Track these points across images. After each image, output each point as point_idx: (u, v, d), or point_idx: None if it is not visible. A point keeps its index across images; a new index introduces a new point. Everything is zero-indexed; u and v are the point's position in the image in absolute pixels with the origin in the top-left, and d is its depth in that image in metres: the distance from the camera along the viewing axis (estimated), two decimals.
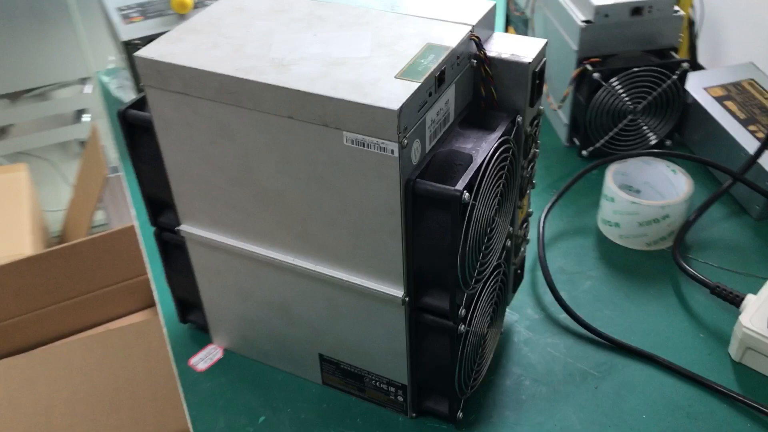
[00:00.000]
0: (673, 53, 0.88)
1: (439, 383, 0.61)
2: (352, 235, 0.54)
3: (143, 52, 0.54)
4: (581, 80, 0.88)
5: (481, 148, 0.53)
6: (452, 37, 0.53)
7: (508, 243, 0.64)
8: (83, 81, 2.08)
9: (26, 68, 1.84)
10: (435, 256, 0.52)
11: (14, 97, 2.06)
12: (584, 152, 0.92)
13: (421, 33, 0.54)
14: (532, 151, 0.62)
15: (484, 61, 0.55)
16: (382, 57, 0.51)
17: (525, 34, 1.05)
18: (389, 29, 0.55)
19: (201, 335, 0.73)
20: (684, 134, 0.94)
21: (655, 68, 0.86)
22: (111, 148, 1.48)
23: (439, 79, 0.50)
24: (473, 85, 0.57)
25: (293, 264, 0.59)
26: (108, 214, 1.84)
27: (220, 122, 0.54)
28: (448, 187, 0.49)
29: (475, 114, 0.57)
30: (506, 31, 1.17)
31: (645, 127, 0.90)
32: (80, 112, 2.15)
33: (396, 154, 0.48)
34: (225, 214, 0.60)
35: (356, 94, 0.47)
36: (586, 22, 0.86)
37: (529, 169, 0.62)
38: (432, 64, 0.50)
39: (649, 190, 0.85)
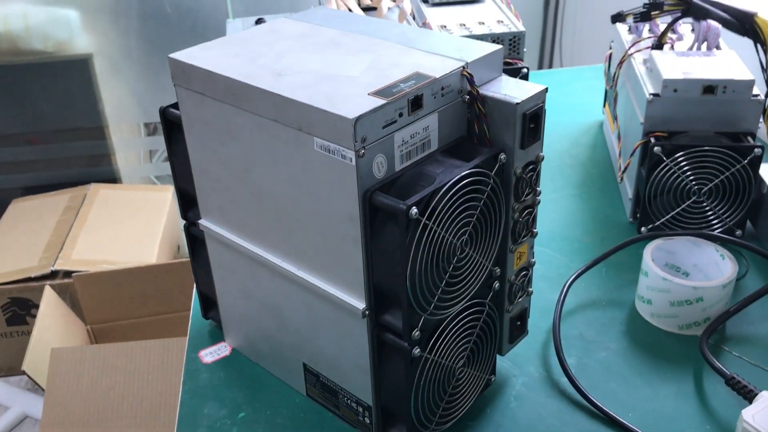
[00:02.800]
0: (750, 138, 0.84)
1: (398, 408, 0.61)
2: (322, 240, 0.57)
3: (175, 55, 0.61)
4: (644, 154, 0.86)
5: (450, 173, 0.54)
6: (440, 69, 0.56)
7: (496, 285, 0.63)
8: None
9: None
10: (389, 271, 0.54)
11: None
12: (643, 229, 0.89)
13: (416, 63, 0.57)
14: (529, 197, 0.62)
15: (477, 98, 0.57)
16: (368, 78, 0.55)
17: (614, 107, 1.04)
18: (390, 58, 0.59)
19: (217, 333, 0.78)
20: (757, 226, 0.88)
21: (724, 150, 0.82)
22: None
23: (413, 103, 0.53)
24: (467, 120, 0.59)
25: (281, 266, 0.63)
26: None
27: (227, 122, 0.60)
28: (398, 200, 0.51)
29: (463, 147, 0.59)
30: (604, 106, 1.17)
31: (710, 212, 0.86)
32: None
33: (353, 163, 0.51)
34: (232, 211, 0.65)
35: (326, 103, 0.52)
36: (654, 95, 0.84)
37: (524, 214, 0.62)
38: (408, 88, 0.53)
39: (697, 274, 0.80)
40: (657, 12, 0.90)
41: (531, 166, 0.61)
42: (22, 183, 2.12)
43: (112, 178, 2.15)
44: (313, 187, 0.55)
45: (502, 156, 0.57)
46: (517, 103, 0.56)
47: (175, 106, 0.67)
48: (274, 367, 0.72)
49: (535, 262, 0.67)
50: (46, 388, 1.30)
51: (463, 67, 0.57)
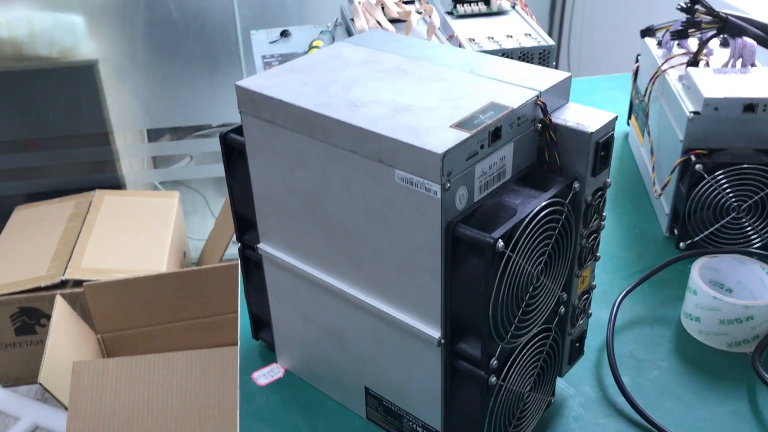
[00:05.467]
0: None
1: None
2: (398, 271, 0.58)
3: (243, 83, 0.61)
4: (684, 171, 0.87)
5: (529, 204, 0.55)
6: (516, 99, 0.56)
7: (562, 310, 0.64)
8: None
9: (197, 107, 2.05)
10: (470, 302, 0.54)
11: (186, 132, 2.29)
12: (682, 244, 0.90)
13: (488, 93, 0.57)
14: (595, 222, 0.63)
15: (549, 126, 0.58)
16: (445, 108, 0.55)
17: (644, 122, 1.05)
18: (461, 87, 0.59)
19: (269, 353, 0.78)
20: None
21: (765, 167, 0.83)
22: None
23: (493, 135, 0.54)
24: (537, 148, 0.60)
25: (348, 293, 0.63)
26: None
27: (297, 151, 0.60)
28: (484, 233, 0.51)
29: (535, 176, 0.59)
30: (629, 119, 1.17)
31: (749, 228, 0.87)
32: None
33: (438, 196, 0.51)
34: (296, 237, 0.65)
35: (410, 136, 0.52)
36: (695, 113, 0.85)
37: (590, 239, 0.63)
38: (488, 119, 0.53)
39: (741, 291, 0.81)
40: (694, 30, 0.91)
41: (599, 193, 0.61)
42: (25, 190, 2.10)
43: (116, 185, 2.13)
44: (390, 217, 0.55)
45: (576, 185, 0.58)
46: (591, 133, 0.57)
47: (235, 131, 0.67)
48: (331, 389, 0.72)
49: (596, 285, 0.68)
50: (69, 402, 1.29)
51: (537, 96, 0.57)
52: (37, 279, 1.70)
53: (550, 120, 0.58)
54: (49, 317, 1.69)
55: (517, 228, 0.53)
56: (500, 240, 0.51)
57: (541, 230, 0.55)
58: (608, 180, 0.62)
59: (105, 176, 2.12)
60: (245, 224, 0.72)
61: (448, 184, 0.51)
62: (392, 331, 0.61)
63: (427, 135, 0.52)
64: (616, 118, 0.59)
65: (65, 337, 1.56)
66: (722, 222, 0.87)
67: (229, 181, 0.69)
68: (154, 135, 2.22)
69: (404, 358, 0.62)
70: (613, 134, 0.59)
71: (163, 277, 1.66)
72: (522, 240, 0.53)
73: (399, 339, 0.61)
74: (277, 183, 0.63)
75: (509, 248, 0.52)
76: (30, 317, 1.73)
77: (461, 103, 0.56)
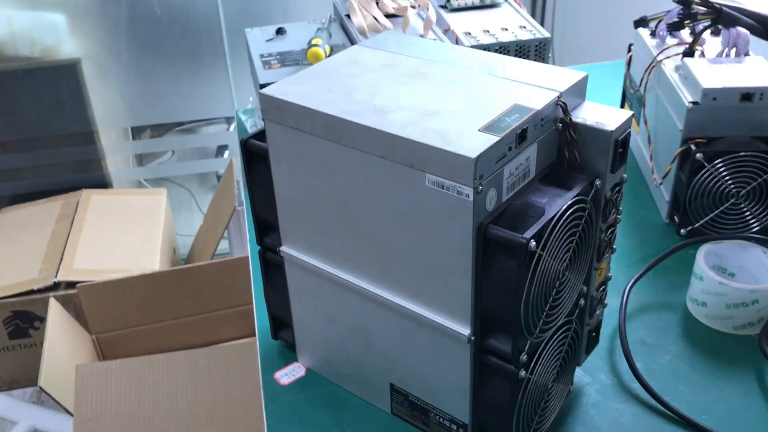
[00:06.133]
0: None
1: (498, 426, 0.63)
2: (427, 271, 0.59)
3: (267, 90, 0.62)
4: (684, 159, 0.90)
5: (555, 203, 0.56)
6: (539, 101, 0.58)
7: (582, 302, 0.66)
8: (229, 120, 2.26)
9: (182, 103, 2.04)
10: (501, 300, 0.56)
11: (168, 128, 2.27)
12: (682, 231, 0.92)
13: (510, 95, 0.59)
14: (612, 216, 0.65)
15: (569, 125, 0.59)
16: (470, 112, 0.57)
17: (639, 111, 1.07)
18: (483, 89, 0.60)
19: (288, 353, 0.79)
20: None
21: (762, 154, 0.86)
22: (243, 183, 1.61)
23: (520, 137, 0.55)
24: (558, 147, 0.61)
25: (374, 293, 0.64)
26: (231, 244, 1.97)
27: (324, 157, 0.61)
28: (517, 234, 0.53)
29: (557, 173, 0.61)
30: (622, 107, 1.20)
31: (748, 213, 0.90)
32: (222, 148, 2.34)
33: (471, 199, 0.53)
34: (320, 240, 0.66)
35: (441, 141, 0.53)
36: (694, 103, 0.87)
37: (608, 233, 0.65)
38: (515, 122, 0.55)
39: (744, 275, 0.84)
40: (689, 21, 0.93)
41: (617, 188, 0.63)
42: (9, 191, 2.07)
43: (102, 183, 2.11)
44: (420, 220, 0.57)
45: (598, 182, 0.60)
46: (611, 131, 0.59)
47: (257, 137, 0.67)
48: (355, 386, 0.74)
49: (612, 276, 0.70)
50: (74, 405, 1.29)
51: (558, 97, 0.59)
52: (29, 282, 1.69)
53: (571, 120, 0.59)
54: (42, 320, 1.68)
55: (546, 227, 0.54)
56: (532, 240, 0.52)
57: (567, 228, 0.57)
58: (625, 175, 0.64)
59: (90, 175, 2.10)
60: (265, 227, 0.73)
61: (480, 187, 0.52)
62: (420, 329, 0.63)
63: (457, 139, 0.53)
64: (633, 115, 0.61)
65: (62, 339, 1.56)
66: (722, 208, 0.89)
67: (250, 186, 0.70)
68: (136, 131, 2.20)
69: (432, 355, 0.63)
70: (630, 131, 0.61)
71: (157, 275, 1.66)
72: (551, 238, 0.55)
73: (427, 337, 0.63)
74: (302, 188, 0.64)
75: (539, 247, 0.54)
76: (23, 320, 1.72)
77: (486, 106, 0.57)
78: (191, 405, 1.29)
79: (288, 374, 0.77)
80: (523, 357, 0.58)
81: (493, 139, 0.53)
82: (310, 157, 0.62)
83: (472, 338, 0.59)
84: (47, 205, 1.96)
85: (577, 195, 0.57)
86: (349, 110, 0.58)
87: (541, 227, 0.54)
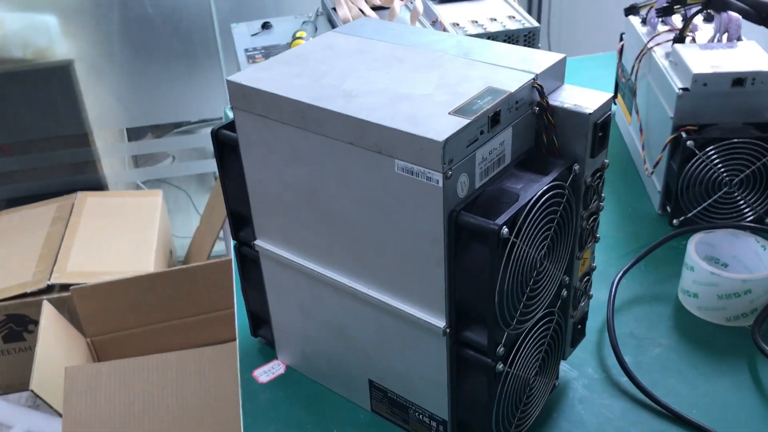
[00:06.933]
0: None
1: (477, 422, 0.61)
2: (400, 262, 0.57)
3: (234, 77, 0.60)
4: (675, 148, 0.87)
5: (531, 189, 0.54)
6: (513, 83, 0.55)
7: (564, 293, 0.64)
8: None
9: (176, 104, 2.02)
10: (475, 290, 0.54)
11: (164, 129, 2.26)
12: (675, 221, 0.90)
13: (485, 77, 0.57)
14: (594, 203, 0.62)
15: (546, 108, 0.57)
16: (442, 95, 0.55)
17: (631, 101, 1.05)
18: (456, 72, 0.58)
19: (268, 350, 0.78)
20: None
21: (755, 141, 0.83)
22: None
23: (492, 120, 0.53)
24: (535, 131, 0.59)
25: (349, 286, 0.62)
26: (227, 245, 1.96)
27: (293, 145, 0.59)
28: (488, 220, 0.51)
29: (535, 159, 0.59)
30: (615, 98, 1.17)
31: (741, 202, 0.87)
32: None
33: (440, 185, 0.50)
34: (294, 232, 0.64)
35: (409, 124, 0.51)
36: (684, 89, 0.85)
37: (590, 221, 0.63)
38: (487, 104, 0.53)
39: (736, 265, 0.82)
40: (679, 6, 0.91)
41: (598, 174, 0.61)
42: (4, 195, 2.06)
43: (98, 186, 2.10)
44: (392, 208, 0.55)
45: (576, 167, 0.58)
46: (589, 114, 0.56)
47: (227, 127, 0.66)
48: (334, 383, 0.72)
49: (596, 266, 0.68)
50: (63, 409, 1.28)
51: (534, 79, 0.57)
52: (22, 285, 1.68)
53: (547, 102, 0.57)
54: (36, 323, 1.67)
55: (520, 213, 0.52)
56: (504, 226, 0.50)
57: (543, 214, 0.54)
58: (606, 161, 0.61)
59: (86, 177, 2.09)
60: (240, 221, 0.71)
61: (450, 172, 0.50)
62: (396, 323, 0.61)
63: (426, 123, 0.51)
64: (613, 97, 0.59)
65: (55, 342, 1.54)
66: (715, 197, 0.87)
67: (223, 179, 0.68)
68: (135, 134, 2.19)
69: (409, 348, 0.61)
70: (610, 114, 0.59)
71: (151, 277, 1.65)
72: (526, 225, 0.53)
73: (403, 330, 0.61)
74: (273, 178, 0.62)
75: (513, 234, 0.52)
76: (17, 324, 1.71)
77: (458, 89, 0.55)
78: (181, 406, 1.27)
79: (267, 372, 0.75)
80: (500, 350, 0.56)
81: (463, 121, 0.51)
82: (279, 146, 0.60)
83: (448, 330, 0.57)
84: (43, 208, 1.95)
85: (553, 180, 0.55)
86: (318, 96, 0.56)
87: (515, 213, 0.52)
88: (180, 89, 1.97)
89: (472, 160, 0.53)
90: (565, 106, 0.57)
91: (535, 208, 0.53)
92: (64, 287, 1.67)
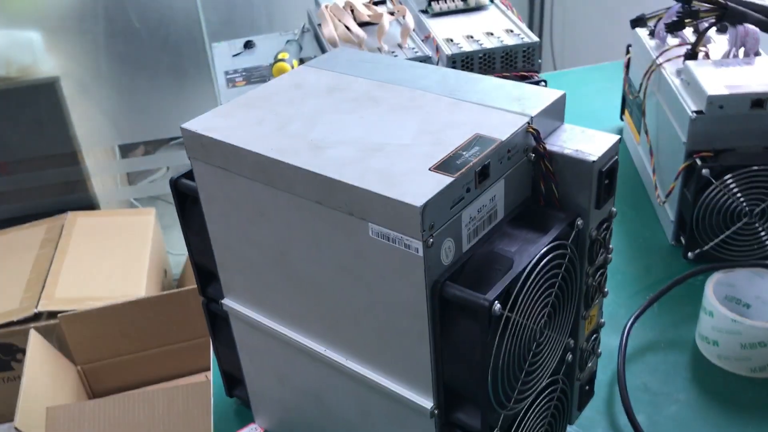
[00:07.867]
0: None
1: None
2: (380, 333, 0.50)
3: (189, 125, 0.53)
4: (689, 176, 0.80)
5: (527, 251, 0.47)
6: (505, 129, 0.48)
7: (569, 357, 0.57)
8: None
9: (167, 119, 1.96)
10: (465, 369, 0.47)
11: (155, 145, 2.20)
12: (690, 254, 0.82)
13: (473, 122, 0.50)
14: (601, 257, 0.55)
15: (544, 155, 0.50)
16: (423, 145, 0.47)
17: (639, 119, 0.97)
18: (440, 115, 0.51)
19: (245, 411, 0.71)
20: None
21: None
22: None
23: (480, 174, 0.46)
24: (532, 180, 0.52)
25: (325, 355, 0.55)
26: None
27: (257, 201, 0.52)
28: (477, 294, 0.44)
29: (531, 212, 0.51)
30: (622, 114, 1.10)
31: (763, 233, 0.80)
32: None
33: (420, 254, 0.43)
34: (263, 293, 0.57)
35: (382, 184, 0.44)
36: (698, 112, 0.77)
37: (596, 276, 0.56)
38: (474, 157, 0.46)
39: (761, 306, 0.74)
40: (690, 20, 0.83)
41: (605, 224, 0.54)
42: None
43: (89, 205, 2.04)
44: (367, 275, 0.48)
45: (579, 221, 0.50)
46: (593, 161, 0.49)
47: (188, 175, 0.59)
48: None
49: (604, 323, 0.61)
50: None
51: (528, 123, 0.49)
52: (9, 313, 1.62)
53: (544, 148, 0.50)
54: (24, 351, 1.60)
55: (515, 283, 0.45)
56: (497, 302, 0.43)
57: (542, 280, 0.47)
58: (614, 209, 0.54)
59: (77, 197, 2.02)
60: (207, 276, 0.64)
61: (431, 240, 0.43)
62: (378, 398, 0.54)
63: (402, 182, 0.44)
64: (620, 140, 0.52)
65: (42, 374, 1.48)
66: (733, 229, 0.79)
67: (185, 230, 0.61)
68: (126, 149, 2.12)
69: (393, 427, 0.54)
70: (617, 159, 0.52)
71: (142, 302, 1.58)
72: (522, 296, 0.45)
73: (386, 407, 0.53)
74: (238, 234, 0.55)
75: (507, 308, 0.44)
76: (5, 353, 1.65)
77: (441, 137, 0.48)
78: None
79: None
80: None
81: (446, 180, 0.44)
82: (242, 202, 0.53)
83: (436, 412, 0.50)
84: (31, 230, 1.88)
85: (553, 240, 0.48)
86: (281, 147, 0.49)
87: (509, 283, 0.45)
88: (170, 103, 1.91)
89: (458, 222, 0.45)
90: (566, 152, 0.50)
91: (533, 275, 0.46)
92: (52, 314, 1.60)
